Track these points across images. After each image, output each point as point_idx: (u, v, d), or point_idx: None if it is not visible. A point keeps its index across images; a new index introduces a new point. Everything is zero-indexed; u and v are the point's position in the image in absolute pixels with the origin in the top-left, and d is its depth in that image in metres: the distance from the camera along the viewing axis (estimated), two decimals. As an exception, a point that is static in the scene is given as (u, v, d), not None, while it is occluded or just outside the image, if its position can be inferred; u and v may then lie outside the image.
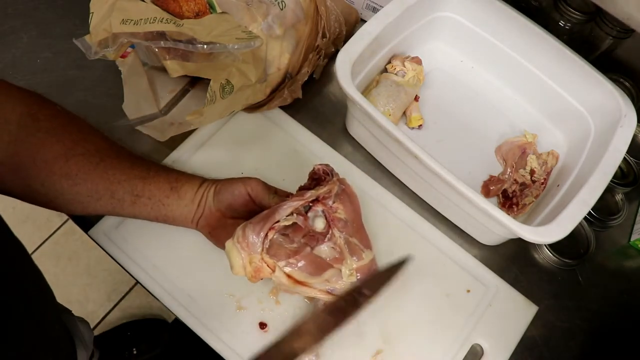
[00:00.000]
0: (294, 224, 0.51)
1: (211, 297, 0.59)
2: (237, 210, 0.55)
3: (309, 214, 0.52)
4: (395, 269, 0.52)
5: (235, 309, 0.59)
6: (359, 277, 0.52)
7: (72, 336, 0.58)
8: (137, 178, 0.50)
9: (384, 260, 0.63)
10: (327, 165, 0.56)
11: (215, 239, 0.56)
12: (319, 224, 0.52)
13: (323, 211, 0.53)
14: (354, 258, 0.52)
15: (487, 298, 0.63)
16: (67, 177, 0.47)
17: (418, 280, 0.63)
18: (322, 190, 0.52)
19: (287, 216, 0.50)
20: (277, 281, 0.50)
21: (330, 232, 0.52)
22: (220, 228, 0.55)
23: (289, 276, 0.49)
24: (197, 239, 0.62)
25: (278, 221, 0.50)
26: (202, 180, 0.56)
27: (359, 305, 0.50)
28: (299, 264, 0.50)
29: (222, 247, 0.51)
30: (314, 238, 0.52)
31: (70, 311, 0.66)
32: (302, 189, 0.56)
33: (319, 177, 0.55)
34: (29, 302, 0.38)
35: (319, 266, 0.51)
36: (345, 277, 0.52)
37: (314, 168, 0.55)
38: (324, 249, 0.52)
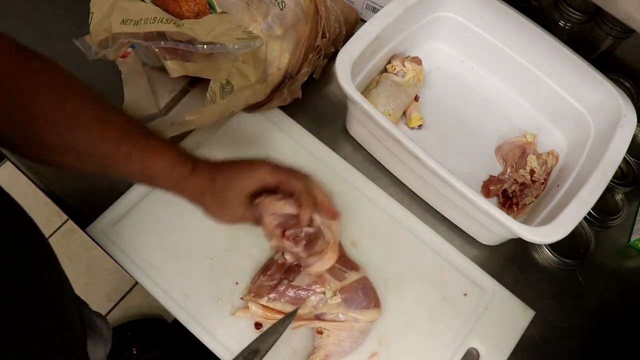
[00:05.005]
0: (274, 264, 0.58)
1: (207, 297, 0.59)
2: None
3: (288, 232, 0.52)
4: None
5: (231, 309, 0.59)
6: (343, 297, 0.57)
7: (87, 326, 0.58)
8: (104, 156, 0.45)
9: (383, 262, 0.63)
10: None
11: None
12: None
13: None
14: (335, 279, 0.57)
15: (484, 302, 0.63)
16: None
17: (415, 283, 0.63)
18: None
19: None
20: (252, 312, 0.57)
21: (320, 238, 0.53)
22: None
23: (267, 307, 0.56)
24: (195, 239, 0.62)
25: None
26: (183, 172, 0.49)
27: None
28: (280, 295, 0.56)
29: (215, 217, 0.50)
30: (291, 271, 0.57)
31: (87, 304, 0.65)
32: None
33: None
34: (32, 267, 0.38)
35: (300, 290, 0.57)
36: (329, 299, 0.57)
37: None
38: (302, 278, 0.57)
